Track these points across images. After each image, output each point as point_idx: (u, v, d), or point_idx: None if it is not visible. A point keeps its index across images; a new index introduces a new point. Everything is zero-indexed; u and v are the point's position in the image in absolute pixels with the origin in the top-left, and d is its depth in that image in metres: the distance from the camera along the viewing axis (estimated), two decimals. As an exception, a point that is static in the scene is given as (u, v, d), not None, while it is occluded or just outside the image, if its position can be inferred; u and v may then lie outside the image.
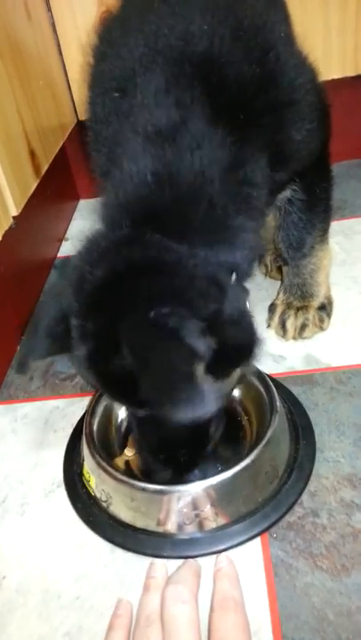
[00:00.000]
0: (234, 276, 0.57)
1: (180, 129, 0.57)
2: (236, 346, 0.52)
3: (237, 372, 0.58)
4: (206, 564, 0.59)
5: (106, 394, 0.61)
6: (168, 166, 0.55)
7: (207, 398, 0.51)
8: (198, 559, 0.59)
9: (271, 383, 0.70)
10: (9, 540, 0.66)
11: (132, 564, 0.61)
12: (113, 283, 0.52)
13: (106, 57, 0.68)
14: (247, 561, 0.59)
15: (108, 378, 0.54)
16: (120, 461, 0.69)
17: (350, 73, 1.27)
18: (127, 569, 0.60)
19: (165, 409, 0.50)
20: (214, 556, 0.59)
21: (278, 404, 0.67)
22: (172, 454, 0.61)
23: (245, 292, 0.60)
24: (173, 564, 0.59)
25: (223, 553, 0.59)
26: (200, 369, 0.48)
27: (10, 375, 0.91)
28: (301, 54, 0.70)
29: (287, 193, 0.76)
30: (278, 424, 0.65)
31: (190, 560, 0.59)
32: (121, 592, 0.58)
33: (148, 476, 0.63)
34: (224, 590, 0.55)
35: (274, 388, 0.69)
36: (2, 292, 0.93)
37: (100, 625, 0.55)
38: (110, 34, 0.70)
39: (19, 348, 0.61)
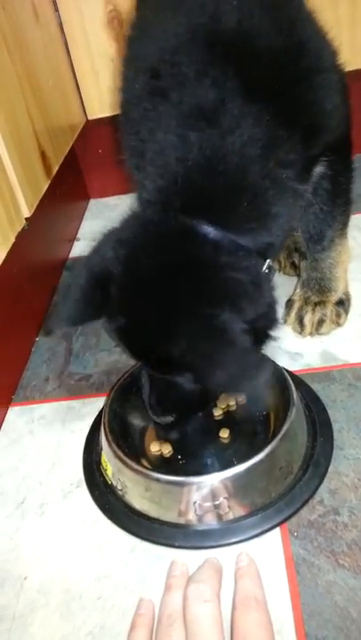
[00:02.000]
0: (267, 263, 0.63)
1: (220, 108, 0.57)
2: (262, 335, 0.61)
3: None
4: (227, 561, 0.58)
5: (133, 358, 0.66)
6: (213, 149, 0.57)
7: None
8: (218, 556, 0.59)
9: (289, 378, 0.70)
10: (29, 541, 0.66)
11: (153, 564, 0.61)
12: (169, 275, 0.56)
13: (139, 41, 0.70)
14: (269, 559, 0.59)
15: (142, 351, 0.61)
16: (156, 458, 0.69)
17: (361, 66, 1.26)
18: (148, 568, 0.60)
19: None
20: (235, 553, 0.59)
21: (295, 398, 0.67)
22: (180, 409, 0.66)
23: (273, 272, 0.66)
24: (193, 561, 0.59)
25: (244, 551, 0.59)
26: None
27: (25, 377, 0.91)
28: (322, 27, 0.70)
29: (320, 169, 0.75)
30: (295, 419, 0.65)
31: (211, 558, 0.59)
32: (142, 591, 0.58)
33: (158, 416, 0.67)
34: (246, 589, 0.54)
35: (292, 383, 0.69)
36: (15, 294, 0.93)
37: (123, 624, 0.56)
38: (143, 21, 0.71)
39: (50, 310, 0.59)
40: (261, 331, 0.61)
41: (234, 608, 0.53)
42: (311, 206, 0.79)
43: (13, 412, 0.85)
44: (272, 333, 0.62)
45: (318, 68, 0.65)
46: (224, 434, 0.69)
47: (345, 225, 0.83)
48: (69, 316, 0.61)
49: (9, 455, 0.78)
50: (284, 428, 0.63)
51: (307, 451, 0.67)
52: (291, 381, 0.69)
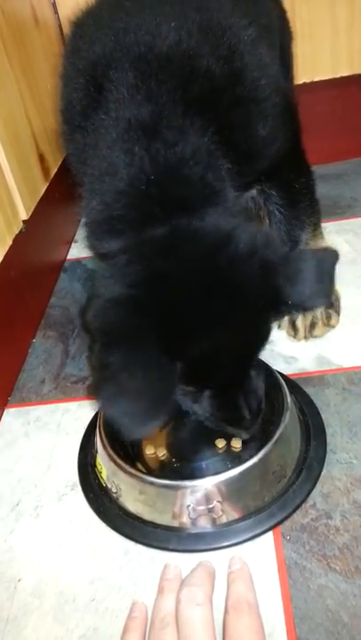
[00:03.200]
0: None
1: (159, 123, 0.59)
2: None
3: None
4: (220, 564, 0.59)
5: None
6: (163, 160, 0.57)
7: None
8: (211, 559, 0.59)
9: (283, 382, 0.70)
10: (23, 543, 0.66)
11: (147, 567, 0.61)
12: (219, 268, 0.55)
13: (80, 50, 0.69)
14: (261, 563, 0.59)
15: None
16: (151, 461, 0.69)
17: (359, 70, 1.26)
18: (141, 571, 0.61)
19: None
20: (228, 556, 0.59)
21: (289, 402, 0.67)
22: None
23: None
24: (186, 564, 0.59)
25: (237, 554, 0.59)
26: None
27: (22, 379, 0.91)
28: (265, 57, 0.71)
29: (253, 192, 0.79)
30: (288, 423, 0.65)
31: (204, 561, 0.59)
32: (135, 594, 0.59)
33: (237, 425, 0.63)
34: (238, 592, 0.55)
35: (285, 387, 0.69)
36: (13, 296, 0.93)
37: (116, 627, 0.56)
38: (83, 29, 0.72)
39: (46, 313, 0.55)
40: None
41: (226, 612, 0.53)
42: (273, 215, 0.81)
43: (9, 414, 0.85)
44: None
45: (253, 97, 0.67)
46: (220, 444, 0.68)
47: (317, 226, 0.84)
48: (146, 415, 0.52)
49: (4, 457, 0.78)
50: (278, 432, 0.63)
51: (300, 454, 0.67)
52: (285, 385, 0.69)
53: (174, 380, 0.54)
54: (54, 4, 1.24)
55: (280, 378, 0.71)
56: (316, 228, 0.84)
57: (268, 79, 0.69)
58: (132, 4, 0.68)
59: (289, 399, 0.68)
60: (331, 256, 0.60)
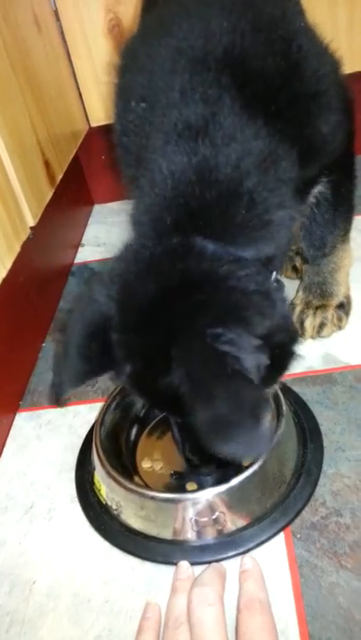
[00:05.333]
0: (274, 275, 0.59)
1: (211, 123, 0.56)
2: (284, 352, 0.54)
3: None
4: (231, 565, 0.59)
5: (151, 406, 0.61)
6: (205, 162, 0.55)
7: (265, 438, 0.47)
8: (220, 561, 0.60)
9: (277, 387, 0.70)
10: (38, 546, 0.67)
11: (159, 567, 0.62)
12: (165, 298, 0.51)
13: (129, 71, 0.68)
14: (272, 561, 0.59)
15: (156, 394, 0.54)
16: (149, 475, 0.69)
17: (360, 68, 1.26)
18: (154, 572, 0.62)
19: (218, 446, 0.46)
20: (234, 564, 0.59)
21: (285, 408, 0.67)
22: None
23: (283, 286, 0.61)
24: (197, 566, 0.60)
25: (248, 554, 0.60)
26: (265, 411, 0.46)
27: (32, 382, 0.92)
28: (323, 43, 0.69)
29: (319, 188, 0.75)
30: (285, 428, 0.65)
31: (214, 563, 0.60)
32: (149, 595, 0.60)
33: (195, 470, 0.65)
34: (250, 591, 0.55)
35: (280, 392, 0.68)
36: (23, 302, 0.94)
37: (130, 627, 0.57)
38: (132, 50, 0.70)
39: (52, 378, 0.55)
40: (280, 346, 0.52)
41: (238, 611, 0.54)
42: (314, 215, 0.79)
43: (21, 418, 0.86)
44: (293, 348, 0.55)
45: (315, 91, 0.63)
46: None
47: (347, 230, 0.83)
48: (71, 380, 0.57)
49: (17, 460, 0.80)
50: (275, 438, 0.63)
51: (298, 459, 0.67)
52: (279, 391, 0.68)
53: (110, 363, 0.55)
54: (56, 12, 1.25)
55: None
56: (346, 233, 0.83)
57: (328, 66, 0.66)
58: (182, 13, 0.64)
59: (285, 407, 0.67)
60: None
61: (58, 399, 0.58)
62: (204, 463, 0.64)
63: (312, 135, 0.64)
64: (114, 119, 0.71)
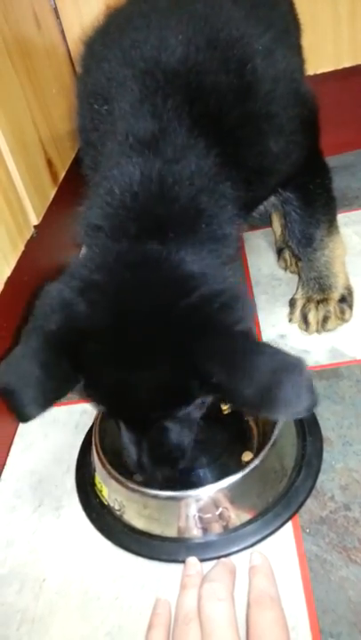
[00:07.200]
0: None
1: (161, 139, 0.57)
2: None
3: None
4: (240, 560, 0.59)
5: (124, 419, 0.59)
6: (160, 177, 0.56)
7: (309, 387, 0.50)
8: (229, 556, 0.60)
9: None
10: (47, 544, 0.68)
11: (168, 564, 0.62)
12: (155, 305, 0.52)
13: (90, 70, 0.69)
14: (282, 556, 0.59)
15: (133, 399, 0.55)
16: None
17: (361, 61, 1.26)
18: (163, 568, 0.62)
19: (272, 411, 0.50)
20: (241, 559, 0.60)
21: None
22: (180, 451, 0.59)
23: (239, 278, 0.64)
24: (206, 563, 0.60)
25: (257, 550, 0.60)
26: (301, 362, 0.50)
27: (38, 381, 0.92)
28: (287, 66, 0.68)
29: (289, 190, 0.77)
30: (282, 422, 0.65)
31: (224, 558, 0.60)
32: (158, 591, 0.60)
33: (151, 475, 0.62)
34: (260, 587, 0.55)
35: None
36: (28, 300, 0.94)
37: (140, 624, 0.57)
38: (92, 48, 0.72)
39: (10, 399, 0.53)
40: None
41: (248, 606, 0.54)
42: (289, 214, 0.80)
43: (28, 417, 0.86)
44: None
45: (266, 112, 0.64)
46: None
47: (332, 222, 0.83)
48: (36, 401, 0.54)
49: (25, 459, 0.80)
50: (275, 433, 0.63)
51: (298, 452, 0.67)
52: None
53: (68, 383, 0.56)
54: (56, 10, 1.25)
55: None
56: (331, 224, 0.83)
57: (285, 89, 0.66)
58: (141, 20, 0.66)
59: None
60: (294, 370, 0.50)
61: (25, 419, 0.55)
62: (160, 465, 0.60)
63: (262, 154, 0.65)
64: (76, 113, 0.72)
